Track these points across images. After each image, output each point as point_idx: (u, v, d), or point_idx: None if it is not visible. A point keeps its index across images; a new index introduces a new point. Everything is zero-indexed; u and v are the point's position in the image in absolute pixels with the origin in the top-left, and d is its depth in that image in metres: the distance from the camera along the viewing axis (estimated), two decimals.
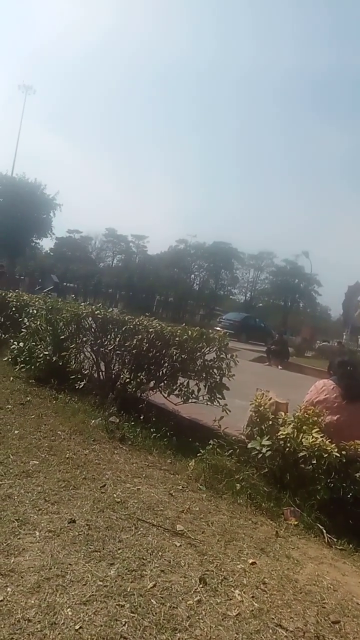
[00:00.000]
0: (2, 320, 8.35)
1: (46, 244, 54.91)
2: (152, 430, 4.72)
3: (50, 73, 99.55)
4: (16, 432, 4.16)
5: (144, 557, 2.49)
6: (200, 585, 2.31)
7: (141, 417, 4.97)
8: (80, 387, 5.65)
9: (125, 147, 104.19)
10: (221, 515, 3.23)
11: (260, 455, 3.80)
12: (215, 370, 4.85)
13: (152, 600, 2.13)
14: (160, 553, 2.56)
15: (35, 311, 7.12)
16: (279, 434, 3.84)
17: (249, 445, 3.93)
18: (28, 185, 42.15)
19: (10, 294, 8.72)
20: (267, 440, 3.84)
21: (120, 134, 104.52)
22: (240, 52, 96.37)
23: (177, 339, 4.95)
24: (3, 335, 8.24)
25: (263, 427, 4.09)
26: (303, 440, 3.67)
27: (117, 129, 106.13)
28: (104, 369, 5.89)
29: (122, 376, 5.42)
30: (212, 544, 2.78)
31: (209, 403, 4.82)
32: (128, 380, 5.24)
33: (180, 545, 2.69)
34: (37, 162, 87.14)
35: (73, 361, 6.25)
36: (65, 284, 37.01)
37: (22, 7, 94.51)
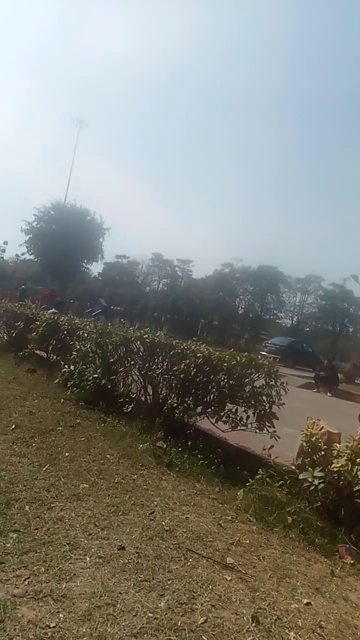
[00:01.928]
0: (54, 343, 8.62)
1: (95, 268, 56.70)
2: (199, 456, 4.67)
3: (97, 102, 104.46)
4: (67, 454, 4.23)
5: (194, 590, 2.43)
6: (253, 624, 2.22)
7: (188, 443, 4.94)
8: (128, 410, 5.70)
9: (170, 172, 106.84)
10: (272, 550, 3.12)
11: (312, 488, 3.66)
12: (264, 398, 4.76)
13: (204, 637, 2.07)
14: (210, 586, 2.50)
15: (85, 334, 7.30)
16: (332, 466, 3.70)
17: (301, 477, 3.79)
18: (79, 212, 44.05)
19: (62, 317, 9.01)
20: (320, 472, 3.70)
21: (166, 161, 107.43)
22: (275, 76, 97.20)
23: (225, 364, 4.91)
24: (55, 358, 8.50)
25: (315, 458, 3.95)
26: (358, 473, 3.51)
27: (164, 155, 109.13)
28: (151, 393, 5.93)
29: (169, 401, 5.43)
30: (264, 580, 2.68)
31: (257, 431, 4.71)
32: (175, 405, 5.23)
33: (231, 580, 2.62)
34: (88, 190, 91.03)
35: (121, 384, 6.34)
36: (112, 307, 37.85)
37: (68, 40, 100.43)
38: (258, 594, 2.52)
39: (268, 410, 4.72)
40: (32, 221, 43.08)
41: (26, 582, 2.26)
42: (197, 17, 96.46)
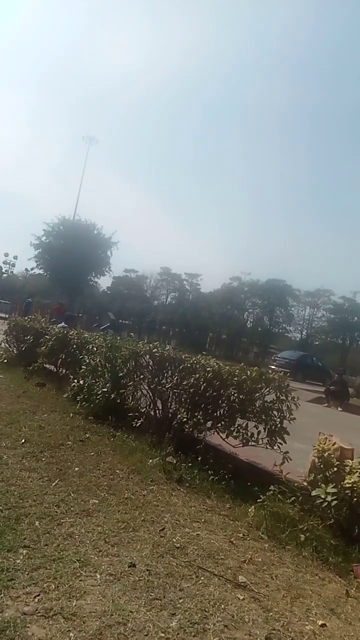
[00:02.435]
0: (64, 357, 8.64)
1: (104, 282, 57.16)
2: (209, 472, 4.62)
3: (105, 119, 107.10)
4: (76, 469, 4.21)
5: (206, 609, 2.39)
6: None
7: (198, 458, 4.88)
8: (138, 425, 5.67)
9: (179, 187, 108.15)
10: (285, 569, 3.06)
11: (325, 505, 3.60)
12: (275, 413, 4.71)
13: None
14: (222, 606, 2.45)
15: (95, 349, 7.31)
16: (344, 482, 3.64)
17: (313, 493, 3.73)
18: (87, 227, 44.58)
19: (72, 331, 9.05)
20: (333, 488, 3.64)
21: (175, 175, 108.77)
22: (283, 91, 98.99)
23: (235, 378, 4.88)
24: (64, 372, 8.51)
25: (327, 474, 3.89)
26: None
27: (172, 170, 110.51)
28: (160, 407, 5.90)
29: (178, 415, 5.39)
30: (277, 600, 2.63)
31: (268, 447, 4.66)
32: (185, 419, 5.20)
33: (244, 599, 2.56)
34: (97, 206, 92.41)
35: (130, 398, 6.32)
36: (121, 321, 37.92)
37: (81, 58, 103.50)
38: (271, 614, 2.47)
39: (279, 426, 4.67)
40: (41, 236, 43.66)
41: (36, 600, 2.23)
42: (204, 32, 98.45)
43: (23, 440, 4.76)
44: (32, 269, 48.46)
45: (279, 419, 4.71)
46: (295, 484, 3.99)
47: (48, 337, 9.09)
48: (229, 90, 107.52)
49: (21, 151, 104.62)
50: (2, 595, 2.22)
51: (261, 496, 3.89)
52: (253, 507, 3.84)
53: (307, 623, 2.45)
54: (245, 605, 2.50)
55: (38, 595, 2.27)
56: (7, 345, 11.24)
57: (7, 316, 23.35)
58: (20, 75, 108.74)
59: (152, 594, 2.44)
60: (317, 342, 61.07)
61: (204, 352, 5.93)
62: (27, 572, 2.44)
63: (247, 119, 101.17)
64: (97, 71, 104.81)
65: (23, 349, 10.43)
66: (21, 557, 2.57)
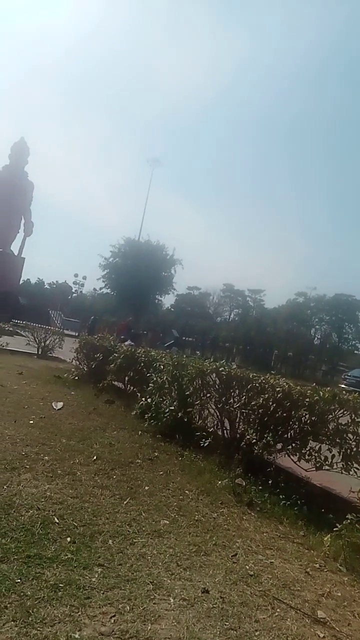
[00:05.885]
0: (131, 374, 8.82)
1: (167, 300, 58.04)
2: (280, 496, 4.46)
3: (165, 138, 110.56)
4: (146, 488, 4.24)
5: None
6: None
7: (269, 482, 4.75)
8: (205, 445, 5.63)
9: (240, 202, 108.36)
10: None
11: None
12: (350, 436, 4.48)
13: None
14: None
15: (161, 367, 7.40)
16: None
17: None
18: (152, 247, 45.75)
19: (139, 349, 9.23)
20: None
21: (236, 190, 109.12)
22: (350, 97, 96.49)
23: (307, 399, 4.72)
24: (132, 389, 8.68)
25: None
26: None
27: (232, 184, 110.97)
28: (228, 427, 5.83)
29: (247, 436, 5.29)
30: None
31: (344, 472, 4.43)
32: (254, 441, 5.08)
33: (324, 637, 2.42)
34: (160, 224, 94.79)
35: (197, 417, 6.30)
36: (184, 338, 38.23)
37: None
38: None
39: (355, 450, 4.43)
40: (108, 257, 45.42)
41: (112, 621, 2.24)
42: (260, 44, 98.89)
43: (95, 457, 4.87)
44: (100, 288, 50.48)
45: (354, 442, 4.47)
46: None
47: (116, 355, 9.32)
48: (307, 96, 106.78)
49: (87, 174, 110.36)
50: (80, 612, 2.25)
51: (337, 525, 3.69)
52: (329, 536, 3.65)
53: None
54: None
55: (114, 615, 2.28)
56: (78, 363, 11.67)
57: (77, 334, 24.34)
58: (84, 103, 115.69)
59: (226, 624, 2.37)
60: None
61: (272, 372, 5.80)
62: (102, 592, 2.46)
63: (308, 129, 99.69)
64: (157, 93, 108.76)
65: (93, 366, 10.76)
66: (96, 576, 2.60)
